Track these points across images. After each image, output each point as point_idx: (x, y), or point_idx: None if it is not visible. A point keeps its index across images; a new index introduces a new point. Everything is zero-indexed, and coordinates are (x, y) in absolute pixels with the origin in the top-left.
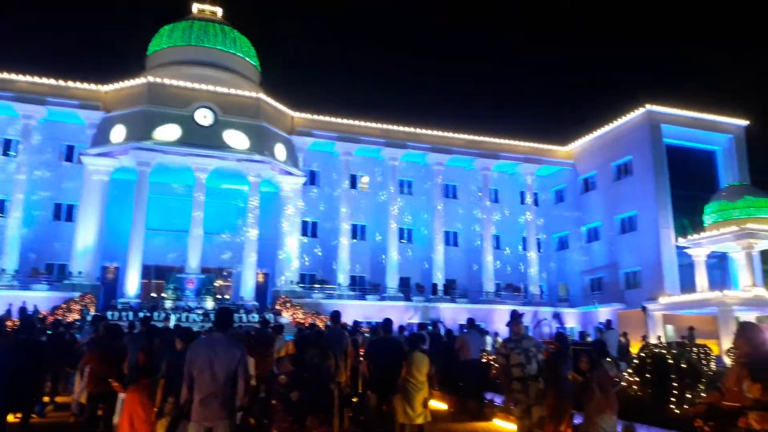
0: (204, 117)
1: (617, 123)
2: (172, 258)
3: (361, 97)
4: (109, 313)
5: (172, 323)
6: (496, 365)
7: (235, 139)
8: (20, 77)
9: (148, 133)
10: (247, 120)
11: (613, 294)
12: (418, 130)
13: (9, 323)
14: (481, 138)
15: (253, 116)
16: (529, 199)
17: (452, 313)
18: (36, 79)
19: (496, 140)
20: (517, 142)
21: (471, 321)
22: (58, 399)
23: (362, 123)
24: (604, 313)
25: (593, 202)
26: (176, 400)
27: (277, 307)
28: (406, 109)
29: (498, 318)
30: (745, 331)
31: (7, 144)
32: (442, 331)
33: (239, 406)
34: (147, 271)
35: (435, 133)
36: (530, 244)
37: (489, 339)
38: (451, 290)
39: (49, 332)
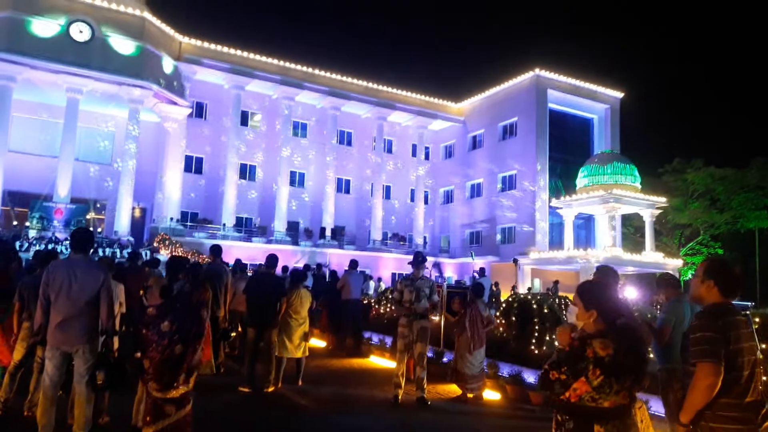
0: (80, 32)
1: (507, 84)
2: (40, 185)
3: (257, 30)
4: None
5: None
6: (376, 307)
7: (115, 59)
8: None
9: (14, 43)
10: (130, 39)
11: (489, 247)
12: (316, 72)
13: None
14: (379, 86)
15: (136, 36)
16: (420, 153)
17: (339, 259)
18: None
19: (393, 90)
20: (413, 95)
21: (353, 262)
22: None
23: (257, 57)
24: (480, 265)
25: (479, 160)
26: (32, 325)
27: (155, 244)
28: (304, 46)
29: (383, 265)
30: (597, 271)
31: None
32: (326, 274)
33: (102, 330)
34: (10, 197)
35: (333, 76)
36: (418, 196)
37: (372, 284)
38: (339, 236)
39: None
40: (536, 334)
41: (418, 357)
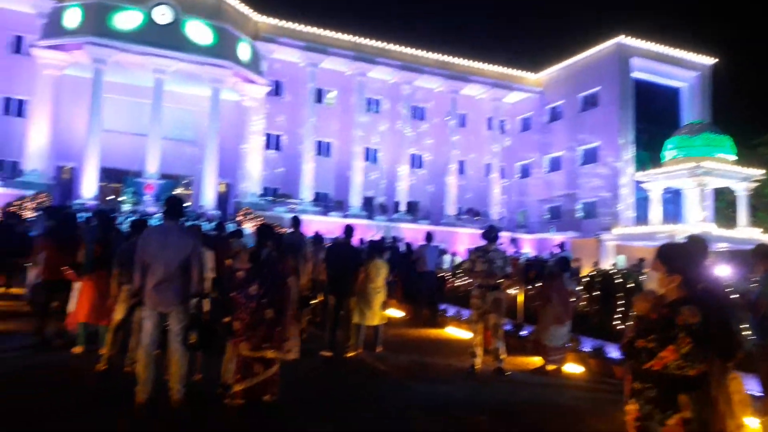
0: (163, 15)
1: (588, 53)
2: (131, 162)
3: (330, 5)
4: None
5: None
6: (451, 279)
7: (197, 39)
8: None
9: (104, 27)
10: (210, 20)
11: (569, 223)
12: (389, 46)
13: None
14: (452, 59)
15: (215, 17)
16: (495, 126)
17: (413, 234)
18: None
19: (467, 63)
20: (487, 66)
21: (429, 235)
22: (13, 290)
23: (331, 33)
24: (559, 240)
25: (558, 132)
26: (130, 288)
27: (239, 218)
28: (377, 21)
29: (458, 240)
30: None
31: None
32: (402, 248)
33: (193, 293)
34: (104, 174)
35: (406, 50)
36: (494, 170)
37: (447, 257)
38: (413, 211)
39: None
40: (620, 309)
41: (493, 328)
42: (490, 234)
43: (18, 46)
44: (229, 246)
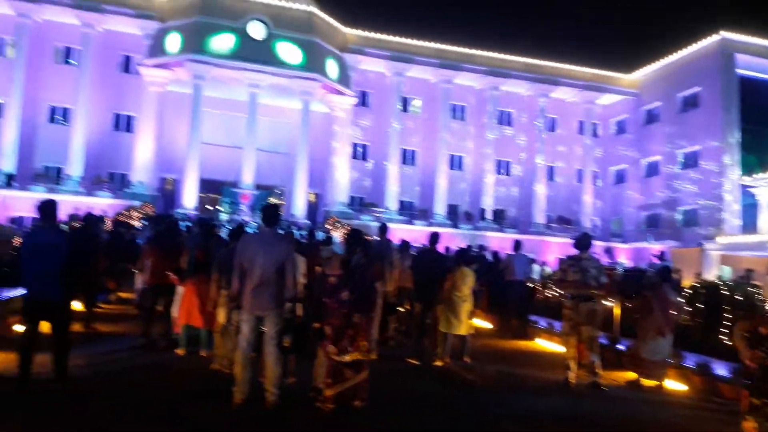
0: (256, 30)
1: (687, 51)
2: (228, 173)
3: (415, 13)
4: None
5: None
6: (541, 290)
7: (288, 54)
8: None
9: (203, 45)
10: (300, 35)
11: (668, 231)
12: (474, 52)
13: (75, 224)
14: (540, 62)
15: (306, 31)
16: (587, 130)
17: (500, 243)
18: None
19: (556, 65)
20: (577, 68)
21: (517, 243)
22: (122, 294)
23: (416, 42)
24: (658, 250)
25: (655, 135)
26: (229, 292)
27: (327, 226)
28: (461, 27)
29: (548, 250)
30: None
31: (67, 52)
32: (489, 257)
33: (288, 297)
34: (203, 185)
35: (491, 54)
36: (586, 176)
37: (536, 267)
38: (500, 219)
39: (109, 231)
40: (726, 323)
41: (587, 340)
42: (583, 242)
43: (126, 65)
44: (319, 253)
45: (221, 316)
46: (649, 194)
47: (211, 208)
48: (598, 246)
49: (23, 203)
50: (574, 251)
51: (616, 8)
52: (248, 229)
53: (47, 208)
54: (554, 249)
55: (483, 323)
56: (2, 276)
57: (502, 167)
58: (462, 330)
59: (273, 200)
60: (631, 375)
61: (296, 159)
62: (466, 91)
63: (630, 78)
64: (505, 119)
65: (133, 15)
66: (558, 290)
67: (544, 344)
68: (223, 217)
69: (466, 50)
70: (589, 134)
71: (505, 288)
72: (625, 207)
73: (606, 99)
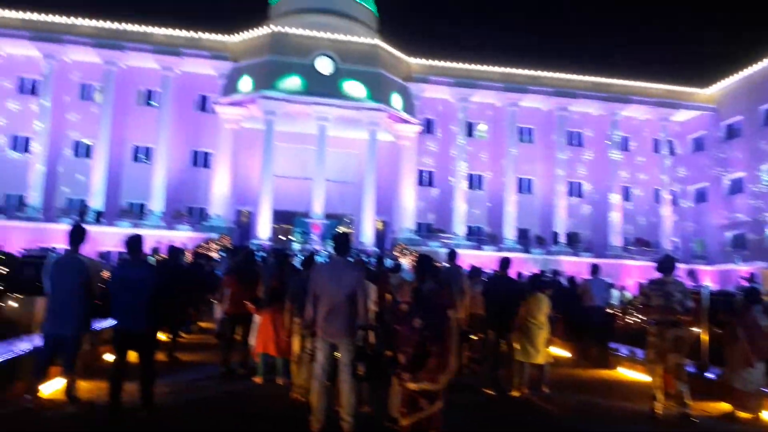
0: (324, 65)
1: None
2: (298, 204)
3: (478, 39)
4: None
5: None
6: (621, 316)
7: (354, 87)
8: (157, 30)
9: (274, 82)
10: (365, 67)
11: (757, 252)
12: (540, 73)
13: (158, 257)
14: (609, 80)
15: (371, 63)
16: (663, 148)
17: (575, 267)
18: (171, 31)
19: (626, 82)
20: (649, 85)
21: (595, 267)
22: (202, 324)
23: (480, 67)
24: (747, 272)
25: (737, 151)
26: (302, 320)
27: (395, 253)
28: (527, 49)
29: (626, 273)
30: None
31: (149, 95)
32: (564, 282)
33: (360, 325)
34: (276, 216)
35: (558, 75)
36: (663, 196)
37: (615, 292)
38: (574, 243)
39: (190, 263)
40: None
41: (674, 368)
42: (667, 265)
43: (203, 104)
44: (389, 280)
45: (296, 344)
46: (733, 213)
47: (284, 239)
48: (680, 268)
49: (110, 238)
50: (656, 275)
51: (685, 23)
52: (319, 258)
53: (134, 242)
54: (633, 272)
55: (561, 351)
56: (93, 308)
57: (574, 189)
58: (539, 359)
59: (342, 229)
60: (725, 406)
61: (364, 188)
62: (533, 113)
63: (706, 93)
64: (575, 140)
65: (209, 56)
66: (641, 316)
67: (627, 373)
68: (296, 246)
69: (532, 72)
70: (665, 152)
71: (583, 314)
72: (707, 227)
73: (681, 115)
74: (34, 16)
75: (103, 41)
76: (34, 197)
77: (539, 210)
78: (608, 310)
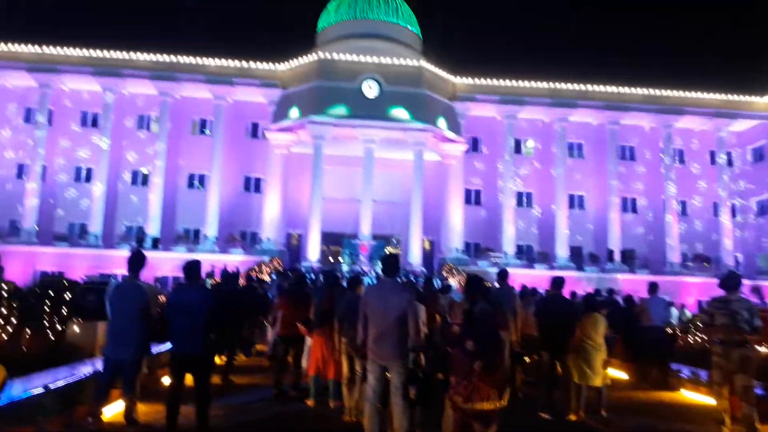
0: (370, 88)
1: None
2: (346, 225)
3: (524, 55)
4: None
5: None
6: (682, 336)
7: (400, 108)
8: (210, 61)
9: (321, 107)
10: (410, 89)
11: None
12: (589, 87)
13: (212, 281)
14: (662, 92)
15: (416, 84)
16: (720, 159)
17: (631, 285)
18: (223, 61)
19: (680, 93)
20: (705, 95)
21: (653, 286)
22: (256, 347)
23: (526, 84)
24: None
25: None
26: (349, 340)
27: (444, 273)
28: (574, 65)
29: (685, 291)
30: None
31: (202, 123)
32: (620, 301)
33: (412, 347)
34: (325, 238)
35: (607, 89)
36: (723, 209)
37: (675, 311)
38: (629, 260)
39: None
40: None
41: (741, 391)
42: (731, 282)
43: (254, 131)
44: (438, 301)
45: (345, 366)
46: None
47: (333, 260)
48: (744, 285)
49: (166, 263)
50: (719, 292)
51: (739, 31)
52: (367, 279)
53: (192, 268)
54: (692, 290)
55: (619, 373)
56: (151, 332)
57: (628, 204)
58: (597, 381)
59: (390, 249)
60: None
61: (410, 208)
62: (583, 128)
63: (765, 101)
64: (627, 154)
65: (259, 85)
66: (704, 336)
67: (690, 395)
68: (345, 268)
69: (581, 87)
70: (723, 164)
71: (641, 334)
72: None
73: (739, 125)
74: (96, 53)
75: (159, 73)
76: (95, 225)
77: (592, 227)
78: (668, 330)
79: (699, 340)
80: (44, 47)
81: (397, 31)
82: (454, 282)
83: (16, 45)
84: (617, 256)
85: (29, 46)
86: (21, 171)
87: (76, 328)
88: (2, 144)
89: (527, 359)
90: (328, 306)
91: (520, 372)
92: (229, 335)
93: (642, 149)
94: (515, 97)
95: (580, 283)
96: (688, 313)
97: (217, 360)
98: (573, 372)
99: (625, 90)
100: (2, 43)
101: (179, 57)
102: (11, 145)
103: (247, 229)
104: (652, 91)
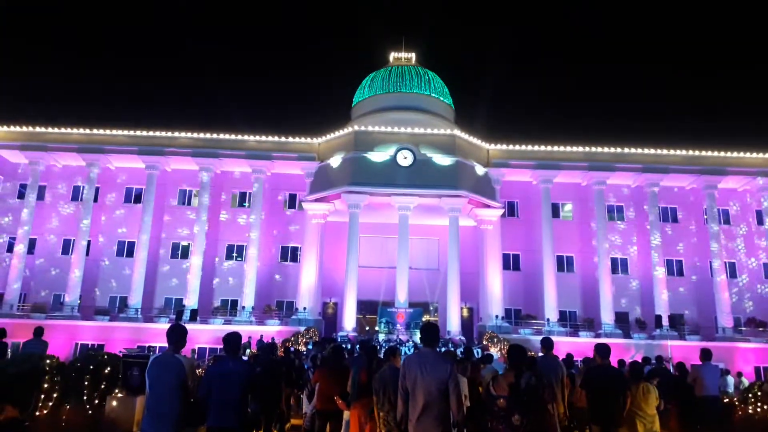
0: (404, 158)
1: None
2: (382, 293)
3: (559, 121)
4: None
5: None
6: (742, 406)
7: (434, 175)
8: (249, 137)
9: (357, 177)
10: (444, 156)
11: None
12: (626, 150)
13: (250, 352)
14: (703, 153)
15: (449, 152)
16: None
17: (682, 352)
18: (261, 137)
19: (722, 154)
20: (747, 154)
21: (706, 352)
22: (293, 421)
23: (561, 148)
24: None
25: None
26: (386, 414)
27: (484, 342)
28: (610, 129)
29: (740, 357)
30: None
31: (241, 196)
32: (672, 370)
33: (454, 422)
34: (361, 306)
35: (646, 151)
36: None
37: (731, 379)
38: (678, 325)
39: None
40: None
41: None
42: None
43: (291, 202)
44: (479, 372)
45: None
46: None
47: (369, 329)
48: None
49: (204, 335)
50: None
51: None
52: (404, 349)
53: (232, 339)
54: (748, 356)
55: None
56: (190, 406)
57: (673, 267)
58: None
59: (427, 317)
60: None
61: (447, 274)
62: (622, 190)
63: None
64: (669, 215)
65: (296, 158)
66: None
67: None
68: (381, 337)
69: (617, 150)
70: None
71: (697, 405)
72: None
73: None
74: (139, 133)
75: (200, 150)
76: (134, 298)
77: (637, 292)
78: (725, 399)
79: (762, 410)
80: (93, 129)
81: (429, 102)
82: (495, 351)
83: (67, 129)
84: (665, 322)
85: (79, 129)
86: (66, 247)
87: (114, 403)
88: (51, 221)
89: None
90: (365, 378)
91: None
92: (269, 407)
93: (684, 210)
94: (550, 162)
95: (628, 350)
96: (746, 381)
97: None
98: None
99: (664, 152)
100: (55, 128)
101: (220, 134)
102: (59, 222)
103: (283, 299)
104: (692, 153)
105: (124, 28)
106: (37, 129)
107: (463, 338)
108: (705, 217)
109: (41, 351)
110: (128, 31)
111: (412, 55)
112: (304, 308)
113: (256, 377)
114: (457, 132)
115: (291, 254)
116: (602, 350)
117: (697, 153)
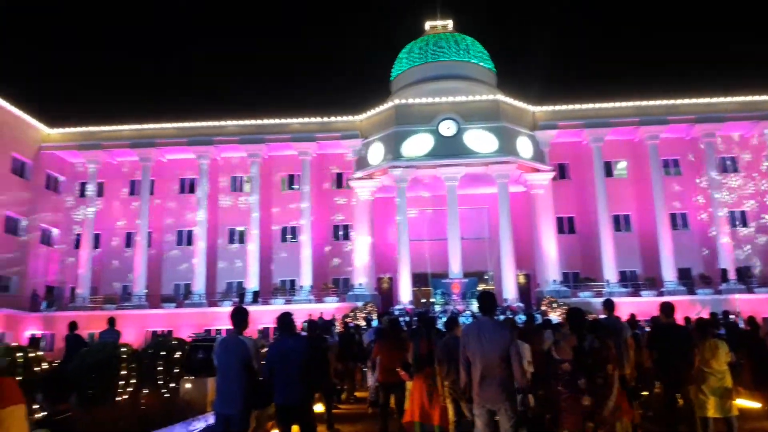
0: (447, 128)
1: None
2: (435, 265)
3: (605, 77)
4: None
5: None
6: None
7: (479, 143)
8: (293, 120)
9: (401, 151)
10: (489, 123)
11: None
12: (678, 101)
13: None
14: (759, 97)
15: (494, 118)
16: None
17: (751, 305)
18: (305, 119)
19: None
20: None
21: None
22: (357, 394)
23: (611, 104)
24: None
25: None
26: (451, 383)
27: (543, 308)
28: (662, 80)
29: None
30: None
31: (290, 179)
32: (740, 323)
33: (518, 388)
34: (415, 279)
35: (700, 101)
36: None
37: None
38: (746, 278)
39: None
40: None
41: None
42: None
43: (338, 181)
44: (542, 337)
45: (451, 411)
46: None
47: (425, 301)
48: None
49: (266, 316)
50: None
51: None
52: (462, 319)
53: (285, 319)
54: None
55: (749, 403)
56: (257, 386)
57: (738, 218)
58: (723, 412)
59: (483, 286)
60: None
61: (500, 242)
62: (677, 143)
63: None
64: (729, 165)
65: (340, 137)
66: None
67: None
68: (437, 308)
69: (669, 102)
70: None
71: None
72: None
73: None
74: (187, 124)
75: (247, 137)
76: (198, 284)
77: (699, 246)
78: None
79: None
80: (143, 124)
81: (469, 68)
82: (555, 316)
83: (119, 125)
84: (732, 275)
85: (130, 125)
86: (129, 240)
87: (187, 385)
88: (112, 216)
89: (645, 393)
90: (426, 349)
91: (638, 408)
92: (323, 383)
93: (744, 157)
94: (600, 120)
95: (693, 307)
96: None
97: (319, 408)
98: (696, 405)
99: (718, 100)
100: (108, 126)
101: (264, 120)
102: (120, 217)
103: (339, 277)
104: (747, 98)
105: (152, 23)
106: (91, 128)
107: (521, 305)
108: (765, 163)
109: (115, 340)
110: (157, 24)
111: (449, 22)
112: (360, 284)
113: (309, 353)
114: (501, 97)
115: (343, 232)
116: (666, 309)
117: (754, 98)
